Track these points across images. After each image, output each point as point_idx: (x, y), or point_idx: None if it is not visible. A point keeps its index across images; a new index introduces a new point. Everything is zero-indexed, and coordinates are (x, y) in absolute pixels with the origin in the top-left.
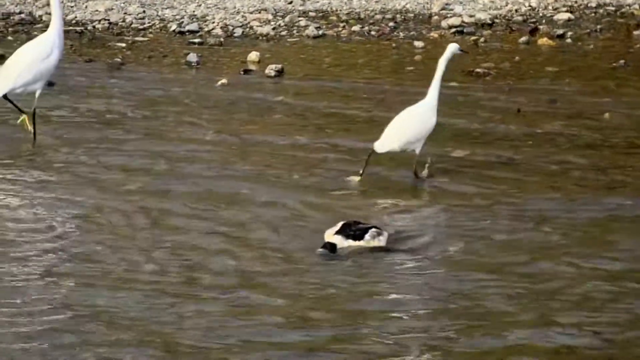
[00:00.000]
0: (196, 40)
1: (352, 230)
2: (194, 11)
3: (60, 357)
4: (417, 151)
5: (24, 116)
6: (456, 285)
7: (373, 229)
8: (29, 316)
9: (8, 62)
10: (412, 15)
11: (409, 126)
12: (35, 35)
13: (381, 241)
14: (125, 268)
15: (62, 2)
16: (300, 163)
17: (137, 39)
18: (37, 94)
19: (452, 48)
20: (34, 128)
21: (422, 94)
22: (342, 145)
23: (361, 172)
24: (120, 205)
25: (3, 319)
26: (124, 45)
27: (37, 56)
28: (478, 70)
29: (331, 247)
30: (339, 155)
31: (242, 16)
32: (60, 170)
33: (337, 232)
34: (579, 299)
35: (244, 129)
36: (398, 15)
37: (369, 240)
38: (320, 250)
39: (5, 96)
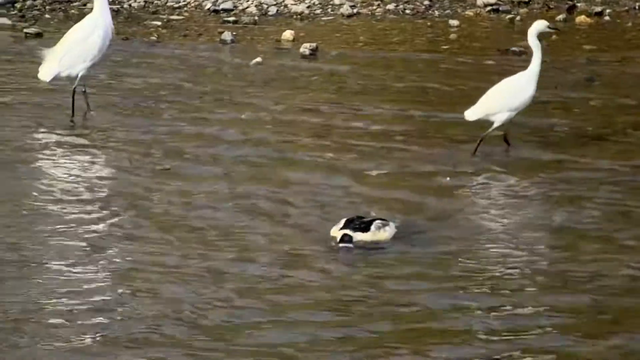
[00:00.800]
0: (231, 18)
1: (357, 223)
2: None
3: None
4: (502, 121)
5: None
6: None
7: (378, 221)
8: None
9: (54, 47)
10: None
11: (505, 96)
12: (72, 14)
13: (387, 232)
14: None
15: None
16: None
17: (172, 17)
18: (79, 75)
19: (539, 25)
20: (73, 104)
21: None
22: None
23: (474, 150)
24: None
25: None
26: (159, 23)
27: (76, 38)
28: (514, 48)
29: (349, 238)
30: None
31: None
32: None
33: (342, 228)
34: None
35: (278, 108)
36: None
37: (375, 232)
38: (342, 245)
39: (73, 93)
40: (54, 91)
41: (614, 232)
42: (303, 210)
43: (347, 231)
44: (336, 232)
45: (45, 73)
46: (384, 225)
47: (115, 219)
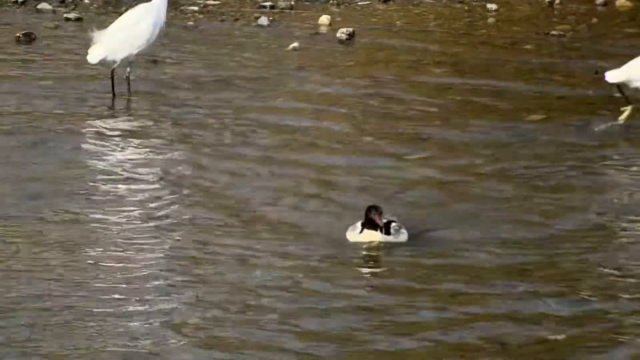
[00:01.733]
0: (267, 3)
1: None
2: None
3: None
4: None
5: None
6: None
7: (394, 223)
8: None
9: (105, 30)
10: None
11: None
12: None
13: (405, 234)
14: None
15: None
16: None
17: (209, 2)
18: (121, 60)
19: None
20: (113, 88)
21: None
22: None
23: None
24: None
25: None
26: (196, 8)
27: (126, 24)
28: (554, 32)
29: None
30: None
31: None
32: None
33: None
34: None
35: (316, 94)
36: None
37: (396, 235)
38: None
39: (112, 73)
40: (94, 78)
41: None
42: (348, 194)
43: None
44: (355, 236)
45: (93, 55)
46: (400, 228)
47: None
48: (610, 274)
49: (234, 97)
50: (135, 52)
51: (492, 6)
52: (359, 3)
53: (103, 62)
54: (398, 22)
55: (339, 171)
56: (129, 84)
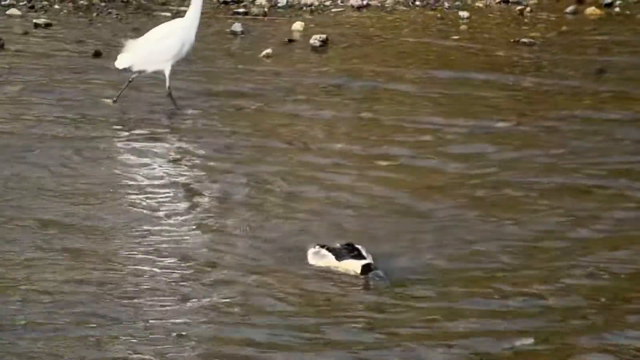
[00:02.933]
0: (240, 10)
1: (349, 250)
2: None
3: None
4: None
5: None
6: None
7: (358, 247)
8: None
9: (137, 39)
10: None
11: None
12: (81, 4)
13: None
14: None
15: None
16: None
17: (181, 8)
18: (166, 74)
19: None
20: (174, 102)
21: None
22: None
23: None
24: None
25: None
26: (169, 14)
27: (154, 37)
28: (524, 40)
29: (373, 267)
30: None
31: None
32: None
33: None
34: None
35: (289, 100)
36: None
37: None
38: (377, 275)
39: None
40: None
41: None
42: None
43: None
44: (317, 259)
45: (119, 61)
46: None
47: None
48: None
49: (207, 104)
50: (162, 66)
51: (464, 14)
52: (333, 10)
53: (129, 70)
54: (372, 29)
55: (313, 174)
56: (172, 99)
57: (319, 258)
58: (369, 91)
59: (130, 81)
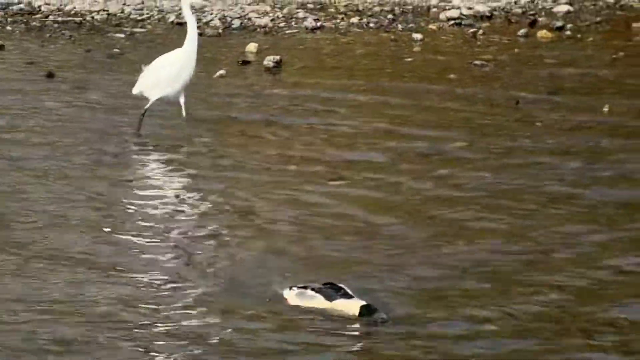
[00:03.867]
0: None
1: (337, 291)
2: (192, 3)
3: None
4: None
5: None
6: None
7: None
8: None
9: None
10: (410, 7)
11: None
12: (33, 26)
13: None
14: None
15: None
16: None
17: (135, 30)
18: (180, 102)
19: None
20: (139, 124)
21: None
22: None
23: None
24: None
25: None
26: (122, 36)
27: (154, 65)
28: (477, 62)
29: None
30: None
31: (240, 8)
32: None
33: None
34: None
35: (243, 121)
36: (396, 8)
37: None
38: (380, 316)
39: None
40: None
41: None
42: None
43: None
44: (304, 301)
45: (135, 87)
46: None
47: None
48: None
49: (155, 122)
50: (164, 94)
51: (417, 36)
52: (287, 31)
53: (139, 96)
54: (325, 50)
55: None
56: (139, 123)
57: (307, 299)
58: (321, 112)
59: (143, 113)
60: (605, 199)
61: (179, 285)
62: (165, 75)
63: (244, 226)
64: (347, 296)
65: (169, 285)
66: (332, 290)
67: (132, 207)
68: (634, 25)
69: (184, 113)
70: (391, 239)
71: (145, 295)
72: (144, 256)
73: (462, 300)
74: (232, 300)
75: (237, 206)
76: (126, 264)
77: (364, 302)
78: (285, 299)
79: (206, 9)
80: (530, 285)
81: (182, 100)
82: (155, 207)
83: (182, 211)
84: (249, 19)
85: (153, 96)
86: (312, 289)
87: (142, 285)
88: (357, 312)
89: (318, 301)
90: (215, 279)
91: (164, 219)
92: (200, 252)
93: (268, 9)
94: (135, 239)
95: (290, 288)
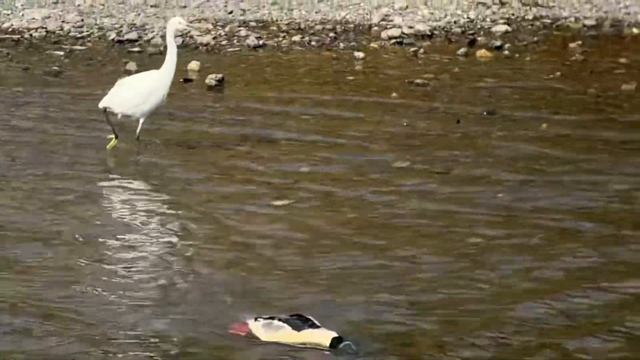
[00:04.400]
0: (136, 49)
1: (304, 321)
2: (133, 20)
3: None
4: None
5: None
6: None
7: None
8: None
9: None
10: (352, 26)
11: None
12: None
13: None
14: None
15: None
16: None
17: (75, 47)
18: (139, 121)
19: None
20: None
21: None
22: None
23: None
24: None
25: None
26: (61, 53)
27: (129, 83)
28: (418, 81)
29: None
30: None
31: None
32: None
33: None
34: None
35: (183, 138)
36: (338, 26)
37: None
38: (350, 347)
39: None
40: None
41: None
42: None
43: (330, 333)
44: (269, 332)
45: (101, 101)
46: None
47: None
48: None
49: (95, 142)
50: (131, 112)
51: (359, 54)
52: (229, 49)
53: (107, 111)
54: (267, 68)
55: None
56: (138, 145)
57: (274, 330)
58: (263, 129)
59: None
60: (543, 216)
61: (134, 318)
62: (137, 94)
63: (193, 249)
64: (315, 327)
65: (121, 320)
66: (299, 321)
67: (69, 226)
68: (571, 45)
69: (138, 132)
70: (331, 263)
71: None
72: (81, 288)
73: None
74: (193, 333)
75: (182, 227)
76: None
77: (334, 333)
78: (251, 330)
79: (147, 26)
80: (491, 316)
81: (141, 120)
82: (93, 227)
83: (128, 234)
84: (191, 37)
85: (124, 111)
86: (279, 320)
87: (94, 322)
88: (328, 343)
89: (286, 332)
90: (171, 308)
91: (101, 242)
92: (147, 281)
93: (210, 27)
94: (75, 264)
95: (256, 319)
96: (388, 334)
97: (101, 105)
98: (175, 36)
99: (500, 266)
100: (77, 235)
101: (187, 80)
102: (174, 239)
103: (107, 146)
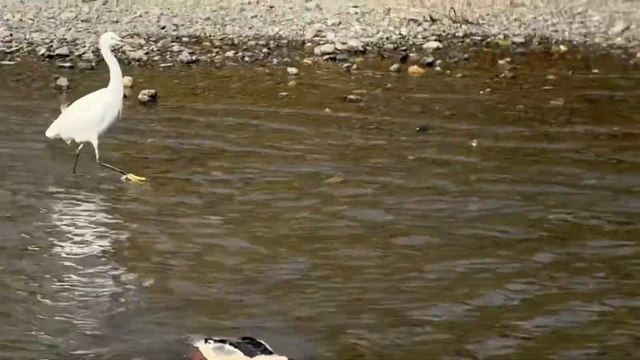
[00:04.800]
0: (66, 64)
1: (248, 345)
2: (64, 35)
3: None
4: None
5: (125, 176)
6: None
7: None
8: None
9: (68, 108)
10: (285, 41)
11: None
12: None
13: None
14: None
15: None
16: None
17: (3, 62)
18: (93, 143)
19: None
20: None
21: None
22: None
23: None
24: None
25: None
26: None
27: (77, 107)
28: (351, 96)
29: None
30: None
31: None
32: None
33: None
34: None
35: (116, 153)
36: (272, 42)
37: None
38: None
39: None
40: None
41: None
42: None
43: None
44: (220, 356)
45: (49, 130)
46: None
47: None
48: None
49: (23, 160)
50: (87, 137)
51: (292, 70)
52: (162, 65)
53: (57, 138)
54: (201, 83)
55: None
56: (107, 166)
57: (225, 354)
58: (195, 145)
59: (77, 154)
60: (476, 224)
61: (88, 341)
62: (91, 116)
63: (142, 266)
64: (267, 352)
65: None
66: (251, 346)
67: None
68: (500, 61)
69: (97, 155)
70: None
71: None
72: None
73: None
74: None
75: (121, 243)
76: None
77: (286, 358)
78: (200, 352)
79: (78, 41)
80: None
81: (95, 142)
82: (47, 249)
83: (81, 252)
84: (124, 52)
85: (75, 136)
86: (231, 344)
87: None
88: None
89: (238, 357)
90: (118, 329)
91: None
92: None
93: (143, 42)
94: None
95: (206, 341)
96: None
97: (50, 134)
98: (112, 51)
99: (428, 271)
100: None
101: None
102: (103, 253)
103: (131, 180)
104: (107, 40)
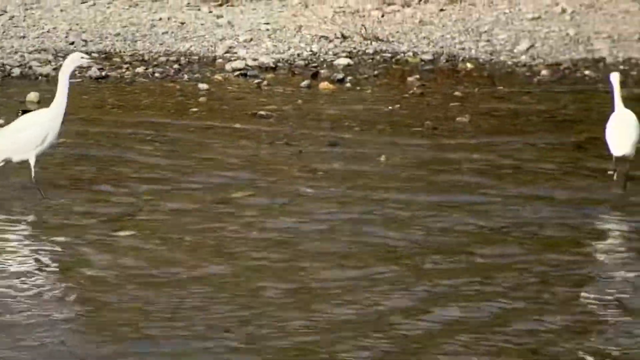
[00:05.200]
0: None
1: None
2: (81, 62)
3: None
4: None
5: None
6: None
7: None
8: None
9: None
10: (196, 57)
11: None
12: None
13: None
14: None
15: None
16: None
17: None
18: (30, 162)
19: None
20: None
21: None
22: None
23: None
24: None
25: None
26: None
27: (15, 127)
28: (262, 112)
29: None
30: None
31: (21, 56)
32: None
33: None
34: None
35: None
36: (182, 58)
37: None
38: None
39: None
40: None
41: None
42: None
43: None
44: None
45: None
46: None
47: None
48: None
49: None
50: (25, 156)
51: (203, 86)
52: (70, 80)
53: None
54: (110, 99)
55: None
56: (37, 186)
57: None
58: (103, 161)
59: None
60: (393, 242)
61: None
62: (35, 137)
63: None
64: None
65: None
66: None
67: None
68: (409, 78)
69: (33, 173)
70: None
71: None
72: None
73: None
74: None
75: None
76: None
77: None
78: None
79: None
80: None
81: (32, 161)
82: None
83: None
84: (30, 67)
85: (14, 156)
86: None
87: None
88: None
89: None
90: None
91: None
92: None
93: (50, 57)
94: None
95: None
96: None
97: None
98: (73, 71)
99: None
100: None
101: (25, 112)
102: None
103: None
104: (75, 61)
